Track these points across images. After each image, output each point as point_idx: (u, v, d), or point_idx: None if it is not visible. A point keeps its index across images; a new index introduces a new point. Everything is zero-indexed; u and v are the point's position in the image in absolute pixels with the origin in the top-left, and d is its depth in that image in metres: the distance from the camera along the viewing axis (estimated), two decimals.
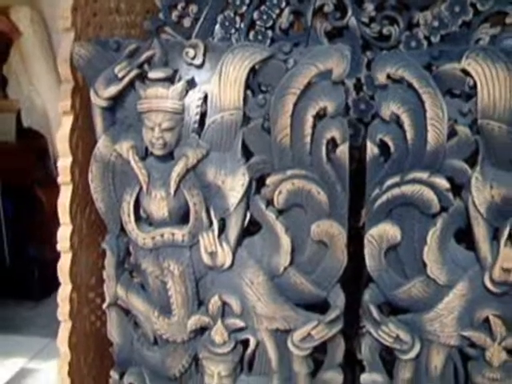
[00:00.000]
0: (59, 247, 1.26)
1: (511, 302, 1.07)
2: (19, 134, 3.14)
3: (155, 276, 1.15)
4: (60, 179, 1.23)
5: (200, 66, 1.06)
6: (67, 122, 1.20)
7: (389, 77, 1.03)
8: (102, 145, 1.11)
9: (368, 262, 1.08)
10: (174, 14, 1.33)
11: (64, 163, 1.21)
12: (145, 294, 1.18)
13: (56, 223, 2.81)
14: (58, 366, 1.34)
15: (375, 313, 1.10)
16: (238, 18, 1.30)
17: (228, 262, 1.10)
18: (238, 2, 1.29)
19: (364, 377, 1.16)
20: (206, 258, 1.11)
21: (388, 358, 1.18)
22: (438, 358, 1.12)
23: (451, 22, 1.23)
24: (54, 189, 3.13)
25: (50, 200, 3.13)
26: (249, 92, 1.08)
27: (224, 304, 1.13)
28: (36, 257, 3.06)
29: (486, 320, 1.08)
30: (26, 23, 2.89)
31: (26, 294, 2.95)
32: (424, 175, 1.04)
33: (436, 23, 1.23)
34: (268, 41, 1.28)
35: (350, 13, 1.26)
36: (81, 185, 1.25)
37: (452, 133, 1.03)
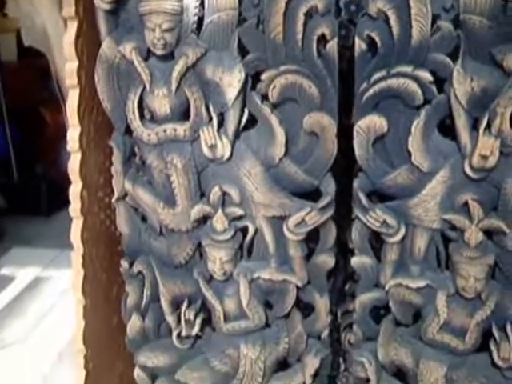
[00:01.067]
0: (69, 148, 1.35)
1: (488, 187, 1.16)
2: (20, 53, 3.19)
3: (159, 170, 1.25)
4: (68, 82, 1.31)
5: None
6: (72, 27, 1.27)
7: None
8: (107, 47, 1.19)
9: (357, 152, 1.18)
10: None
11: (71, 67, 1.29)
12: (150, 187, 1.28)
13: (60, 142, 2.93)
14: (72, 259, 1.46)
15: (364, 200, 1.20)
16: None
17: (227, 155, 1.19)
18: None
19: (354, 260, 1.27)
20: (206, 151, 1.20)
21: (376, 245, 1.29)
22: (421, 241, 1.23)
23: None
24: (58, 108, 3.23)
25: (54, 119, 3.24)
26: None
27: (224, 194, 1.23)
28: (43, 175, 3.18)
29: (465, 204, 1.17)
30: None
31: (36, 210, 3.08)
32: (409, 69, 1.11)
33: None
34: None
35: None
36: (87, 88, 1.33)
37: (435, 28, 1.10)
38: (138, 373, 1.45)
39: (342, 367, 1.50)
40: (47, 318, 2.37)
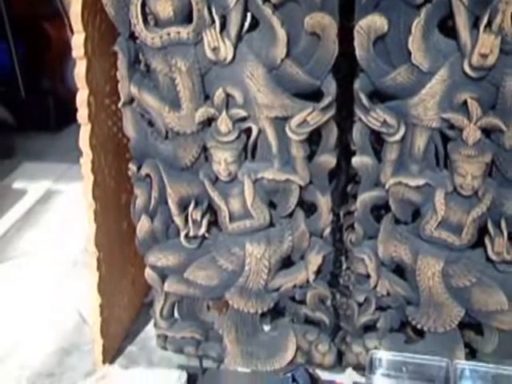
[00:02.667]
0: (74, 55, 1.38)
1: (487, 86, 1.19)
2: None
3: (164, 74, 1.28)
4: None
5: None
6: None
7: None
8: None
9: (358, 52, 1.20)
10: None
11: None
12: (156, 91, 1.31)
13: (65, 57, 2.93)
14: (82, 165, 1.51)
15: (365, 100, 1.23)
16: None
17: (230, 57, 1.22)
18: None
19: (355, 159, 1.32)
20: (209, 54, 1.23)
21: (376, 146, 1.33)
22: (420, 140, 1.27)
23: None
24: (61, 23, 3.20)
25: (57, 34, 3.22)
26: None
27: (228, 96, 1.27)
28: (49, 90, 3.19)
29: (464, 103, 1.20)
30: None
31: (44, 126, 3.11)
32: None
33: None
34: None
35: None
36: None
37: None
38: (148, 273, 1.52)
39: (344, 266, 1.56)
40: (60, 228, 2.45)
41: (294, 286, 1.46)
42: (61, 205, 2.63)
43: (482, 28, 1.12)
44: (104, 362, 1.72)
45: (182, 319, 1.59)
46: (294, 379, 1.44)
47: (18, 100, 3.11)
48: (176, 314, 1.61)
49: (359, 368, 1.54)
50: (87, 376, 1.69)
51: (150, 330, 1.85)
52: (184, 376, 1.57)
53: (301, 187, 1.34)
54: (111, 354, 1.75)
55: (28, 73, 3.16)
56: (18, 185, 2.78)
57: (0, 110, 3.04)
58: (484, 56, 1.14)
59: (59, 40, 3.24)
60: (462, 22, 1.14)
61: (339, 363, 1.57)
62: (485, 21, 1.12)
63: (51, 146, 3.07)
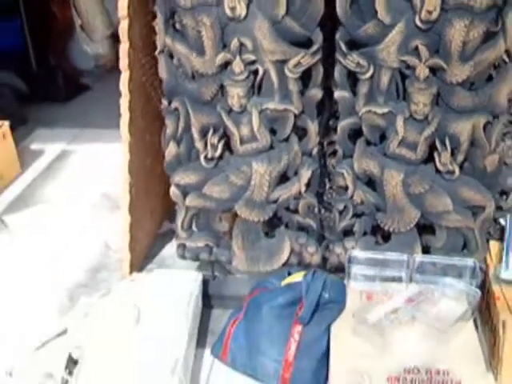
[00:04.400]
0: (119, 15, 1.85)
1: (432, 36, 1.66)
2: None
3: (192, 28, 1.74)
4: None
5: None
6: None
7: None
8: None
9: (338, 11, 1.67)
10: None
11: None
12: (185, 42, 1.78)
13: (68, 35, 3.47)
14: (121, 105, 1.97)
15: (343, 47, 1.72)
16: None
17: (243, 14, 1.68)
18: None
19: (336, 93, 1.80)
20: (228, 12, 1.69)
21: (351, 83, 1.81)
22: (385, 77, 1.74)
23: None
24: (66, 4, 3.67)
25: (62, 14, 3.68)
26: None
27: (241, 45, 1.73)
28: (57, 64, 3.65)
29: (416, 48, 1.68)
30: None
31: (53, 97, 3.56)
32: None
33: None
34: None
35: None
36: None
37: None
38: (173, 190, 1.99)
39: (328, 186, 2.05)
40: (78, 180, 2.90)
41: (289, 197, 1.94)
42: (76, 162, 3.08)
43: None
44: (131, 274, 2.17)
45: (199, 230, 2.06)
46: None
47: (31, 73, 3.55)
48: (194, 227, 2.07)
49: (340, 268, 2.00)
50: (119, 282, 2.14)
51: (165, 253, 2.33)
52: (200, 277, 2.04)
53: (295, 115, 1.81)
54: (136, 269, 2.21)
55: (38, 49, 3.60)
56: (35, 146, 3.21)
57: (15, 81, 3.47)
58: (429, 12, 1.62)
59: (64, 19, 3.70)
60: None
61: (324, 265, 2.05)
62: None
63: (61, 115, 3.52)
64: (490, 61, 1.67)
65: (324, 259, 2.02)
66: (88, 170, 2.95)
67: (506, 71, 1.69)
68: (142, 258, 2.28)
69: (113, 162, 2.86)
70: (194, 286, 1.98)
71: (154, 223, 2.39)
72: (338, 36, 1.70)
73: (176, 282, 1.98)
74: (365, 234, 1.98)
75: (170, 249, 2.33)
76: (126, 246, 2.13)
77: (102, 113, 3.35)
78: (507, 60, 1.67)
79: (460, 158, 1.79)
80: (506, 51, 1.65)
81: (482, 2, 1.58)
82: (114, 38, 3.84)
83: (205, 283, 2.05)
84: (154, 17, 1.82)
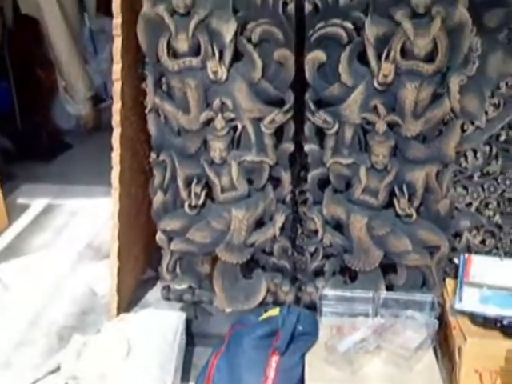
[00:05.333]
0: (112, 78, 2.09)
1: (389, 95, 1.93)
2: (17, 19, 3.82)
3: (179, 89, 2.00)
4: (114, 33, 2.05)
5: None
6: None
7: None
8: (146, 8, 1.93)
9: (307, 74, 1.95)
10: None
11: (116, 22, 2.03)
12: (173, 101, 2.03)
13: (53, 97, 3.77)
14: (113, 158, 2.19)
15: (312, 106, 1.98)
16: None
17: (224, 77, 1.94)
18: None
19: (306, 147, 2.05)
20: (211, 75, 1.94)
21: (319, 137, 2.07)
22: (349, 132, 2.00)
23: None
24: (50, 68, 3.96)
25: (46, 77, 3.95)
26: None
27: (222, 104, 1.99)
28: (41, 124, 3.89)
29: (375, 107, 1.96)
30: None
31: (38, 155, 3.78)
32: (338, 21, 1.89)
33: None
34: None
35: None
36: (125, 37, 2.07)
37: None
38: (159, 236, 2.21)
39: (300, 231, 2.28)
40: (64, 232, 3.10)
41: (265, 241, 2.16)
42: (61, 215, 3.28)
43: (383, 59, 1.88)
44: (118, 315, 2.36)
45: (182, 273, 2.27)
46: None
47: (17, 132, 3.78)
48: (178, 270, 2.28)
49: (312, 306, 2.22)
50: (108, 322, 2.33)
51: (148, 298, 2.53)
52: (183, 316, 2.25)
53: (270, 166, 2.06)
54: (122, 312, 2.40)
55: (24, 110, 3.84)
56: (21, 201, 3.41)
57: (2, 139, 3.69)
58: (385, 76, 1.89)
59: (48, 83, 3.97)
60: (371, 55, 1.90)
61: (297, 303, 2.27)
62: (385, 54, 1.88)
63: (45, 171, 3.73)
64: (439, 117, 1.94)
65: (297, 298, 2.24)
66: (72, 223, 3.14)
67: (452, 127, 1.96)
68: (127, 302, 2.47)
69: (95, 216, 3.09)
70: (178, 323, 2.18)
71: (138, 269, 2.59)
72: (307, 96, 1.97)
73: (162, 320, 2.18)
74: (334, 273, 2.20)
75: (153, 294, 2.53)
76: (114, 289, 2.33)
77: (83, 170, 3.60)
78: (453, 117, 1.94)
79: (416, 203, 2.03)
80: (452, 109, 1.92)
81: (428, 68, 1.86)
82: (95, 100, 4.13)
83: (188, 322, 2.25)
84: (143, 79, 2.07)
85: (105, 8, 3.73)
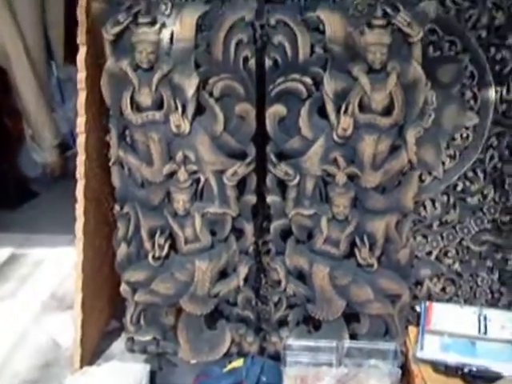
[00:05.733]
0: (77, 130, 2.12)
1: (348, 148, 1.99)
2: None
3: (142, 142, 2.03)
4: (78, 86, 2.08)
5: (169, 15, 1.93)
6: (83, 50, 2.05)
7: (277, 21, 1.94)
8: (110, 63, 1.97)
9: (268, 128, 2.00)
10: None
11: (80, 76, 2.07)
12: (136, 154, 2.06)
13: (20, 145, 3.79)
14: (77, 210, 2.20)
15: (273, 158, 2.02)
16: None
17: (187, 131, 1.98)
18: None
19: (268, 198, 2.09)
20: (174, 129, 1.98)
21: (281, 189, 2.10)
22: (310, 184, 2.04)
23: None
24: (17, 117, 3.99)
25: (14, 127, 3.96)
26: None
27: (185, 157, 2.03)
28: (8, 172, 3.88)
29: (335, 159, 2.01)
30: None
31: (3, 203, 3.76)
32: (297, 76, 1.95)
33: None
34: None
35: None
36: (89, 90, 2.10)
37: (313, 52, 1.95)
38: (123, 287, 2.21)
39: (263, 281, 2.31)
40: (27, 281, 3.08)
41: (229, 292, 2.18)
42: (25, 265, 3.25)
43: (342, 113, 1.94)
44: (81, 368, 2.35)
45: (147, 324, 2.27)
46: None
47: None
48: (142, 321, 2.28)
49: (277, 356, 2.23)
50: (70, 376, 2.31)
51: (113, 350, 2.51)
52: (147, 368, 2.24)
53: (233, 218, 2.09)
54: (86, 365, 2.38)
55: None
56: None
57: None
58: (344, 129, 1.95)
59: (15, 132, 3.98)
60: (330, 109, 1.96)
61: (262, 353, 2.27)
62: (343, 108, 1.94)
63: (11, 220, 3.70)
64: (397, 169, 1.99)
65: (262, 348, 2.25)
66: (36, 273, 3.12)
67: (410, 178, 2.02)
68: (91, 354, 2.45)
69: (59, 266, 3.08)
70: (142, 376, 2.17)
71: (102, 321, 2.57)
72: (268, 149, 2.01)
73: (125, 373, 2.17)
74: (298, 323, 2.22)
75: (118, 345, 2.51)
76: (78, 341, 2.31)
77: (49, 218, 3.58)
78: (410, 168, 1.99)
79: (377, 252, 2.07)
80: (409, 161, 1.98)
81: (385, 121, 1.92)
82: (61, 148, 4.14)
83: (152, 374, 2.24)
84: (107, 131, 2.10)
85: (72, 57, 3.75)
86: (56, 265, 3.14)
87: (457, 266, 2.26)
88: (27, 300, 2.89)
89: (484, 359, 2.00)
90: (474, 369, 1.97)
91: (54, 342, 2.60)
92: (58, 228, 2.99)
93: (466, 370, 1.97)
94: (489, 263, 2.25)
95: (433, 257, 2.25)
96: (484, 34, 2.08)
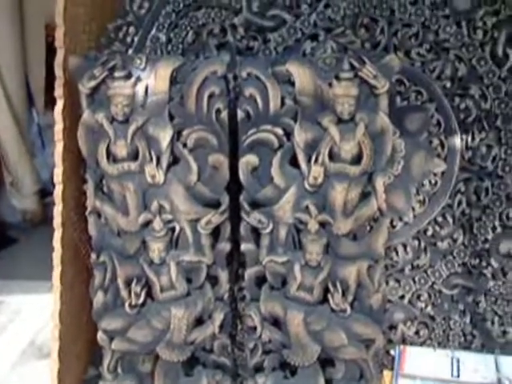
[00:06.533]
0: (54, 180, 2.17)
1: (319, 196, 2.05)
2: None
3: (119, 192, 2.08)
4: (55, 137, 2.13)
5: (143, 69, 2.01)
6: (60, 103, 2.11)
7: (248, 74, 2.02)
8: (86, 115, 2.03)
9: (241, 177, 2.06)
10: (121, 33, 2.25)
11: (58, 128, 2.12)
12: (112, 204, 2.11)
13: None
14: (54, 257, 2.24)
15: (246, 207, 2.08)
16: (161, 36, 2.25)
17: (162, 181, 2.04)
18: (160, 27, 2.24)
19: (243, 246, 2.14)
20: (149, 179, 2.04)
21: (255, 237, 2.16)
22: (283, 231, 2.10)
23: (289, 39, 2.23)
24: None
25: None
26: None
27: (160, 206, 2.08)
28: None
29: (307, 207, 2.07)
30: None
31: None
32: (269, 127, 2.02)
33: (280, 40, 2.22)
34: (180, 51, 2.23)
35: (229, 33, 2.24)
36: (67, 142, 2.16)
37: (283, 104, 2.03)
38: (100, 335, 2.23)
39: (239, 327, 2.34)
40: (5, 329, 3.09)
41: (205, 339, 2.21)
42: (3, 312, 3.26)
43: (312, 162, 2.01)
44: None
45: (124, 372, 2.29)
46: None
47: None
48: (119, 369, 2.31)
49: None
50: None
51: None
52: None
53: (208, 266, 2.14)
54: None
55: None
56: None
57: None
58: (315, 178, 2.01)
59: None
60: (301, 159, 2.02)
61: None
62: (314, 158, 2.01)
63: None
64: (367, 216, 2.06)
65: None
66: (15, 320, 3.13)
67: (380, 224, 2.08)
68: None
69: (39, 313, 3.10)
70: None
71: (80, 369, 2.58)
72: (241, 198, 2.07)
73: None
74: (274, 369, 2.25)
75: None
76: None
77: (28, 265, 3.60)
78: (380, 215, 2.06)
79: (350, 297, 2.12)
80: (379, 208, 2.04)
81: (355, 170, 1.99)
82: (41, 194, 4.18)
83: None
84: (85, 181, 2.15)
85: (53, 104, 3.82)
86: (35, 312, 3.15)
87: (429, 309, 2.30)
88: (5, 347, 2.89)
89: None
90: None
91: None
92: (37, 275, 3.00)
93: None
94: (460, 306, 2.30)
95: (406, 301, 2.29)
96: (448, 84, 2.17)
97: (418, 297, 2.31)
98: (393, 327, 2.32)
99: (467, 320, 2.32)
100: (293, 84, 2.00)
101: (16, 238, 4.11)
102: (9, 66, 3.94)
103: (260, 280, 2.18)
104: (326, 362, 2.24)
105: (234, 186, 2.09)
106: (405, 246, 2.26)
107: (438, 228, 2.25)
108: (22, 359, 2.81)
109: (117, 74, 1.99)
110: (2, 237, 4.02)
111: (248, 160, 2.03)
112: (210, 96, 2.00)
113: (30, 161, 4.11)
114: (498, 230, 2.24)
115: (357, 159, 2.01)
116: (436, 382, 2.11)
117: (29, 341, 2.92)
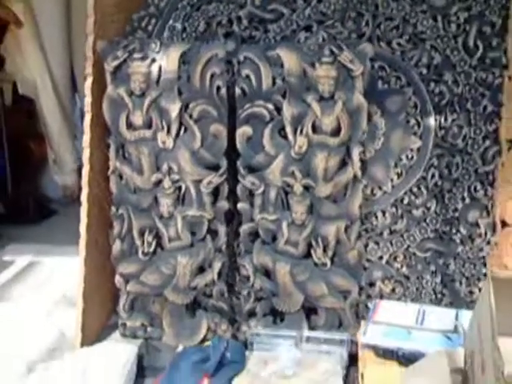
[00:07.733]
0: (83, 144, 2.62)
1: (304, 163, 2.43)
2: (15, 99, 4.42)
3: (135, 155, 2.51)
4: (85, 109, 2.59)
5: (158, 52, 2.44)
6: (89, 80, 2.57)
7: (245, 57, 2.44)
8: (110, 90, 2.47)
9: (238, 145, 2.48)
10: (143, 23, 2.70)
11: (87, 100, 2.58)
12: (130, 165, 2.56)
13: (42, 167, 4.39)
14: (81, 221, 2.69)
15: (242, 170, 2.49)
16: (178, 25, 2.69)
17: (171, 146, 2.47)
18: (176, 18, 2.68)
19: (239, 205, 2.55)
20: (160, 145, 2.48)
21: (250, 197, 2.57)
22: (273, 193, 2.48)
23: (286, 30, 2.63)
24: (41, 141, 4.58)
25: (38, 149, 4.53)
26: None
27: (169, 168, 2.52)
28: (30, 192, 4.43)
29: (293, 172, 2.47)
30: (20, 15, 4.15)
31: (25, 219, 4.30)
32: (262, 103, 2.44)
33: (278, 30, 2.63)
34: (193, 39, 2.66)
35: (234, 24, 2.66)
36: (95, 114, 2.61)
37: (274, 83, 2.44)
38: (117, 279, 2.68)
39: (237, 278, 2.75)
40: (42, 284, 3.56)
41: (205, 284, 2.64)
42: (41, 270, 3.74)
43: (298, 134, 2.41)
44: None
45: (137, 311, 2.73)
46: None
47: (7, 197, 4.31)
48: (133, 308, 2.74)
49: (246, 343, 2.66)
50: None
51: (111, 338, 2.95)
52: (135, 348, 2.68)
53: (209, 220, 2.56)
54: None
55: (15, 177, 4.39)
56: (7, 258, 3.89)
57: None
58: (300, 147, 2.41)
59: (39, 154, 4.54)
60: (289, 130, 2.41)
61: (235, 340, 2.71)
62: (299, 130, 2.41)
63: (31, 233, 4.22)
64: (345, 182, 2.44)
65: (234, 336, 2.69)
66: (51, 277, 3.61)
67: (356, 189, 2.46)
68: (91, 341, 2.89)
69: (70, 272, 3.55)
70: (129, 355, 2.61)
71: (103, 314, 3.01)
72: (238, 163, 2.48)
73: (117, 350, 2.62)
74: (265, 315, 2.64)
75: (116, 335, 2.95)
76: (79, 328, 2.73)
77: (64, 233, 4.05)
78: (356, 182, 2.45)
79: (330, 253, 2.50)
80: (354, 175, 2.43)
81: (334, 141, 2.38)
82: (80, 172, 4.67)
83: (140, 357, 2.68)
84: (108, 147, 2.60)
85: None
86: (67, 271, 3.61)
87: (404, 269, 2.65)
88: (41, 298, 3.35)
89: (417, 344, 2.38)
90: (407, 352, 2.36)
91: (61, 332, 3.04)
92: (71, 241, 3.43)
93: (400, 353, 2.36)
94: (432, 268, 2.63)
95: (384, 261, 2.64)
96: (425, 71, 2.52)
97: (395, 258, 2.63)
98: (372, 284, 2.66)
99: (438, 280, 2.64)
100: (282, 66, 2.39)
101: (56, 210, 4.62)
102: (56, 56, 4.44)
103: (253, 235, 2.57)
104: (310, 310, 2.62)
105: (234, 152, 2.49)
106: (384, 213, 2.60)
107: (413, 197, 2.59)
108: (55, 308, 3.26)
109: (135, 55, 2.42)
110: (44, 208, 4.54)
111: (244, 131, 2.44)
112: (212, 75, 2.41)
113: (72, 141, 4.60)
114: (467, 200, 2.56)
115: (336, 132, 2.37)
116: (400, 328, 2.46)
117: (61, 294, 3.38)
